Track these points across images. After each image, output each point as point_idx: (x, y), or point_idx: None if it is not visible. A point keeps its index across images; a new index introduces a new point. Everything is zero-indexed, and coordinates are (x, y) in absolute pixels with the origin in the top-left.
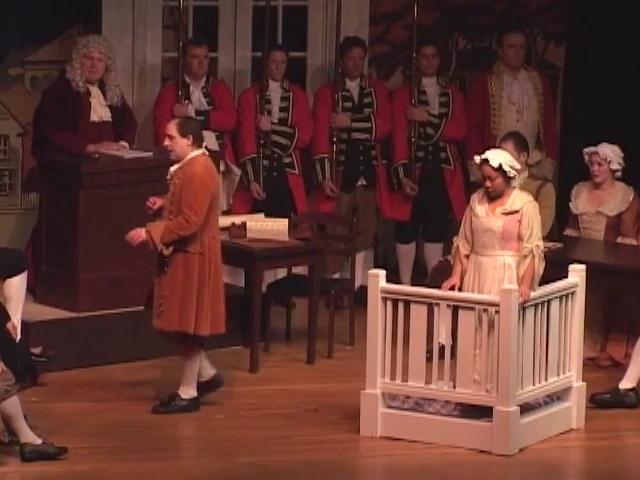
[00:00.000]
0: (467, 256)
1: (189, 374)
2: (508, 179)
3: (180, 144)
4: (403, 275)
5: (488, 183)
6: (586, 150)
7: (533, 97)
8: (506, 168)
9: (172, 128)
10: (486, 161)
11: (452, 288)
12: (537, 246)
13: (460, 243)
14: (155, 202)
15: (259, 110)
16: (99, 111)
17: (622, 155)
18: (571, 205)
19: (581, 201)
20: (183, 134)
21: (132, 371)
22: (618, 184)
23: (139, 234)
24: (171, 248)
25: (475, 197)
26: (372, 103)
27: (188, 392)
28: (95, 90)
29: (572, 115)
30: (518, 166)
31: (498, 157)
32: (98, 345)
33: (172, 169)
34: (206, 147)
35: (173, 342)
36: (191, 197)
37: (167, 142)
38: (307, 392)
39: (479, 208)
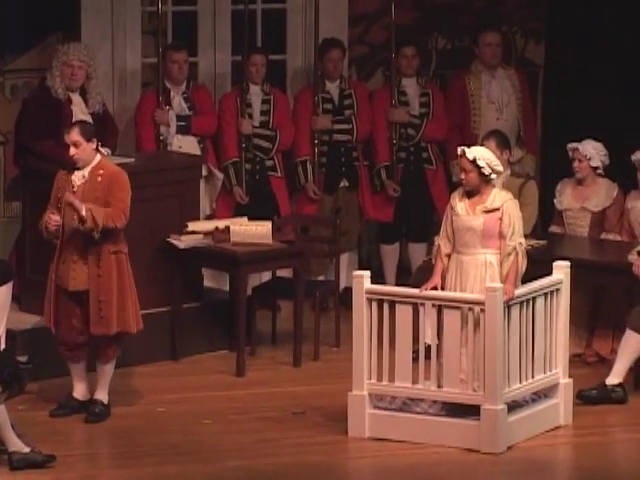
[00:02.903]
0: (448, 255)
1: (109, 377)
2: (484, 176)
3: (87, 150)
4: (387, 276)
5: (462, 175)
6: (569, 146)
7: (512, 95)
8: (480, 163)
9: (75, 135)
10: (464, 153)
11: (434, 288)
12: (520, 243)
13: (442, 242)
14: (57, 220)
15: (240, 114)
16: (81, 119)
17: (605, 152)
18: (556, 201)
19: (565, 197)
20: (88, 139)
21: (118, 377)
22: (601, 180)
23: (79, 206)
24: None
25: (455, 195)
26: (352, 104)
27: (106, 397)
28: (77, 98)
29: (552, 112)
30: (499, 168)
31: (476, 152)
32: None
33: (81, 174)
34: (187, 152)
35: (100, 346)
36: (122, 194)
37: (73, 151)
38: (294, 395)
39: (459, 206)
